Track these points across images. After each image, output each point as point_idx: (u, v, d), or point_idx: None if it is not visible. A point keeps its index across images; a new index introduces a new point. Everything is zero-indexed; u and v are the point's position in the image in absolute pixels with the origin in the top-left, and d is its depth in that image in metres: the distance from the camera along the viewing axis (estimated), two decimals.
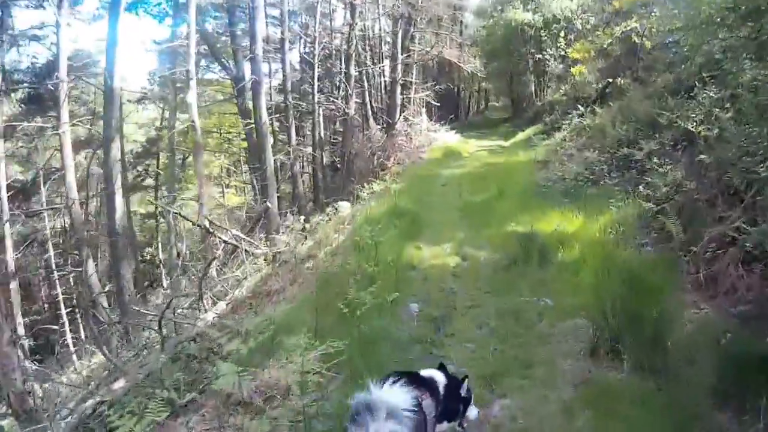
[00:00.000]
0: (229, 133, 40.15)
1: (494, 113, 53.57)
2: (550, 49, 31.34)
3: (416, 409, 3.82)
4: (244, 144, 35.02)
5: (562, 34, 30.42)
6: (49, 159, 28.06)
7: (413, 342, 7.54)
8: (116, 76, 18.34)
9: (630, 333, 6.38)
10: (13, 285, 23.52)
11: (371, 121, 30.59)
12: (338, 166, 32.46)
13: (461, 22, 44.48)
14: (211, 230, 16.92)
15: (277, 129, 34.92)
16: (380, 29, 34.59)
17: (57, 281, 26.48)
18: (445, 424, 4.62)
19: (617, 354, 6.40)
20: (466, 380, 4.84)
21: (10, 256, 23.09)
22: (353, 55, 29.65)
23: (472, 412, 4.96)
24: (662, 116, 12.89)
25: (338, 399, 5.86)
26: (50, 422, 9.62)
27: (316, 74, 29.49)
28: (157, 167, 37.23)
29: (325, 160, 34.27)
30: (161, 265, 31.88)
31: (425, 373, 4.64)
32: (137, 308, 15.32)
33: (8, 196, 23.68)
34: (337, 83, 33.36)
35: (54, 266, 26.45)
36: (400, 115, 30.99)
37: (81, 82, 28.00)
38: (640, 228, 10.42)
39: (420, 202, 16.87)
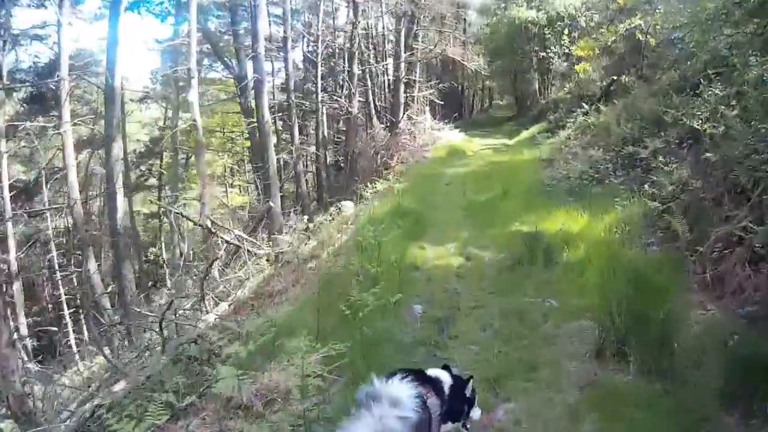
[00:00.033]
0: (233, 132, 40.06)
1: (498, 111, 53.60)
2: (554, 47, 31.36)
3: (421, 405, 3.82)
4: (248, 143, 34.92)
5: (566, 31, 30.39)
6: (51, 159, 28.01)
7: (417, 344, 7.43)
8: (117, 75, 18.24)
9: (636, 334, 6.29)
10: (17, 285, 23.51)
11: (375, 119, 30.60)
12: (342, 165, 32.39)
13: (465, 20, 44.45)
14: (213, 230, 16.83)
15: (280, 128, 34.88)
16: (383, 27, 34.65)
17: (60, 282, 26.42)
18: (449, 425, 4.55)
19: (623, 356, 6.32)
20: (471, 381, 4.79)
21: (13, 256, 23.08)
22: (356, 54, 29.60)
23: (476, 412, 4.90)
24: (667, 114, 12.76)
25: (340, 403, 5.75)
26: (49, 425, 9.55)
27: (320, 73, 29.47)
28: (161, 167, 37.17)
29: (329, 159, 34.22)
30: (164, 265, 31.84)
31: (431, 372, 4.58)
32: (138, 309, 15.20)
33: (11, 196, 23.68)
34: (341, 82, 33.34)
35: (57, 266, 26.37)
36: (403, 114, 30.97)
37: (84, 81, 27.97)
38: (645, 227, 10.31)
39: (424, 201, 16.77)
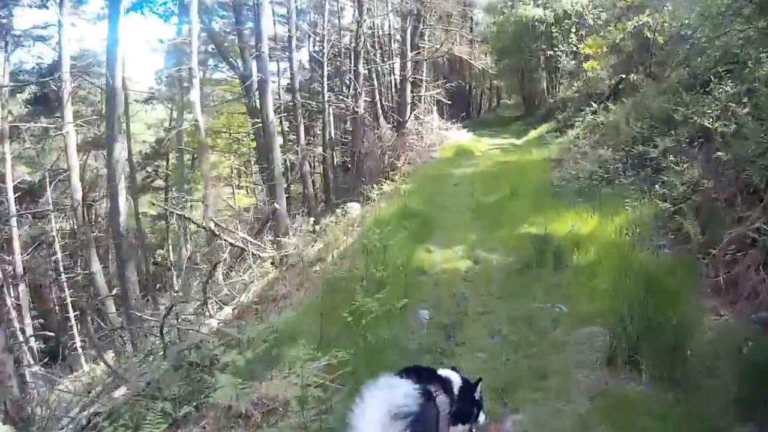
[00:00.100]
0: (239, 133, 40.08)
1: (506, 111, 53.48)
2: (562, 45, 31.17)
3: (430, 400, 4.00)
4: (254, 144, 34.92)
5: (573, 29, 30.16)
6: (56, 160, 28.03)
7: (423, 352, 7.26)
8: (118, 76, 18.13)
9: (648, 341, 6.09)
10: (22, 287, 23.56)
11: (381, 119, 30.41)
12: (349, 166, 32.29)
13: (471, 18, 44.38)
14: (216, 233, 16.72)
15: (287, 129, 34.89)
16: (389, 26, 34.46)
17: (65, 283, 26.41)
18: (459, 427, 4.51)
19: (635, 364, 6.11)
20: (480, 383, 4.76)
21: (18, 257, 23.11)
22: (362, 53, 29.43)
23: (481, 417, 4.83)
24: (677, 112, 12.50)
25: (342, 413, 5.54)
26: None
27: (326, 73, 29.34)
28: (167, 168, 37.19)
29: (336, 159, 34.15)
30: (171, 267, 31.81)
31: (442, 371, 4.59)
32: (139, 314, 15.09)
33: (16, 197, 23.74)
34: (347, 82, 33.23)
35: (62, 268, 26.36)
36: (410, 114, 30.77)
37: (88, 82, 28.00)
38: (656, 229, 10.09)
39: (431, 202, 16.62)
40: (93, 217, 31.88)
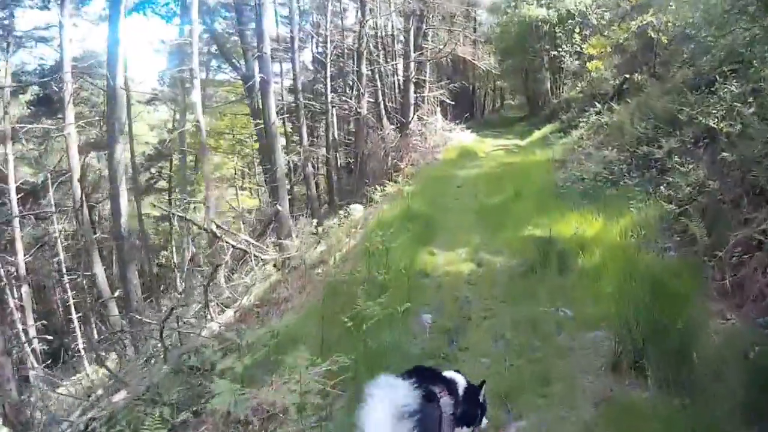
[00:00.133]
0: (242, 134, 40.05)
1: (510, 111, 53.67)
2: (566, 45, 31.12)
3: (432, 401, 4.02)
4: (257, 145, 34.86)
5: (577, 29, 30.08)
6: (59, 161, 28.03)
7: (425, 357, 7.10)
8: (119, 77, 18.05)
9: (654, 346, 6.02)
10: (25, 288, 23.60)
11: (385, 120, 30.34)
12: (353, 167, 32.24)
13: (475, 18, 44.47)
14: (218, 235, 16.65)
15: (290, 130, 34.79)
16: (392, 27, 34.43)
17: (68, 285, 26.41)
18: (464, 429, 4.49)
19: (640, 369, 6.04)
20: (484, 386, 4.73)
21: (21, 258, 23.11)
22: (364, 53, 29.36)
23: (484, 421, 4.81)
24: (682, 112, 12.44)
25: (343, 419, 5.63)
26: None
27: (329, 74, 29.30)
28: (170, 169, 37.17)
29: (340, 161, 34.09)
30: (175, 269, 31.79)
31: (446, 373, 4.60)
32: (139, 317, 15.00)
33: (19, 198, 23.79)
34: (350, 83, 33.19)
35: (64, 270, 26.35)
36: (414, 115, 30.71)
37: (90, 83, 27.98)
38: (662, 231, 9.98)
39: (434, 204, 16.53)
40: (97, 218, 31.88)
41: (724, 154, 9.29)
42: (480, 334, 7.94)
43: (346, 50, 33.91)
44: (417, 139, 29.07)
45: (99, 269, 20.31)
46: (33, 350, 21.98)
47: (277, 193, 21.98)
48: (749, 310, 7.13)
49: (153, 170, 39.32)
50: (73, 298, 25.65)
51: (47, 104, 28.26)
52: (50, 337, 23.82)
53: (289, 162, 29.53)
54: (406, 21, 32.95)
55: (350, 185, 30.60)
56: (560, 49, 31.55)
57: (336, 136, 32.61)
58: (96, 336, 23.13)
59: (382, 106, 30.91)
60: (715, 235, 8.47)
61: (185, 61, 20.19)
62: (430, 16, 33.61)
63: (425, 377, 4.19)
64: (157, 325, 11.28)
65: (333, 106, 30.61)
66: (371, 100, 31.01)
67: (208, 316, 12.61)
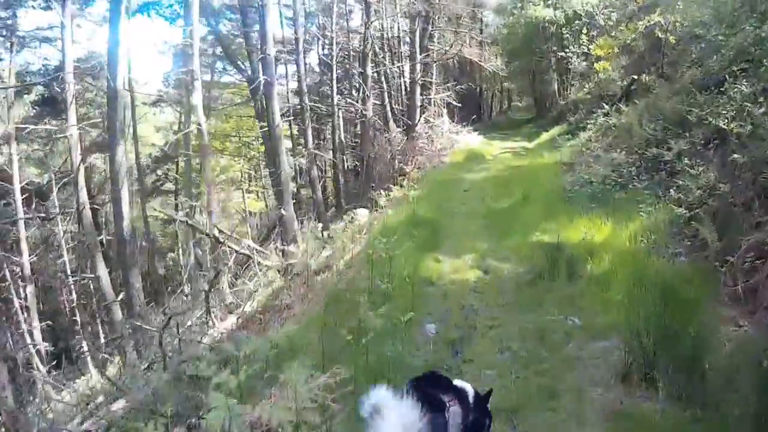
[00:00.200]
0: (248, 136, 40.06)
1: (517, 113, 53.56)
2: (573, 46, 30.94)
3: (441, 411, 4.06)
4: (263, 148, 34.83)
5: (584, 30, 29.90)
6: (64, 162, 28.02)
7: (428, 369, 6.89)
8: (119, 78, 17.81)
9: (665, 355, 5.89)
10: (30, 289, 23.57)
11: (391, 123, 30.28)
12: (360, 170, 32.15)
13: (481, 20, 44.31)
14: (221, 240, 16.52)
15: (296, 132, 34.75)
16: (398, 29, 34.29)
17: (72, 286, 26.40)
18: None
19: (651, 381, 5.88)
20: (491, 395, 4.80)
21: (26, 259, 23.15)
22: (369, 55, 29.33)
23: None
24: (691, 113, 12.29)
25: None
26: None
27: (335, 76, 29.21)
28: (176, 172, 37.16)
29: (347, 164, 34.01)
30: (182, 271, 31.76)
31: (457, 382, 4.63)
32: (138, 323, 14.86)
33: (25, 199, 23.85)
34: (357, 85, 33.12)
35: (69, 271, 26.32)
36: (420, 117, 30.66)
37: (93, 84, 27.98)
38: (672, 235, 9.85)
39: (441, 209, 16.41)
40: (102, 220, 31.84)
41: (735, 155, 9.16)
42: (486, 344, 7.78)
43: (352, 52, 33.86)
44: (423, 142, 29.00)
45: (103, 272, 20.19)
46: (38, 351, 21.97)
47: (281, 197, 21.84)
48: (762, 316, 7.01)
49: (159, 172, 39.32)
50: (79, 300, 25.66)
51: (52, 105, 28.27)
52: (47, 344, 23.73)
53: (295, 165, 29.43)
54: (411, 22, 32.98)
55: (357, 188, 30.51)
56: (567, 50, 31.42)
57: (343, 138, 32.63)
58: (102, 338, 23.15)
59: (388, 108, 30.87)
60: (726, 240, 8.37)
61: (189, 62, 20.09)
62: (436, 18, 33.59)
63: (436, 385, 4.30)
64: (156, 331, 11.17)
65: (339, 109, 30.57)
66: (377, 102, 30.99)
67: (210, 323, 12.49)
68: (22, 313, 23.18)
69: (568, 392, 6.20)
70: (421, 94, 32.09)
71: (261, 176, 42.50)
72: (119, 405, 9.87)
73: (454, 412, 4.17)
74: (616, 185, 14.07)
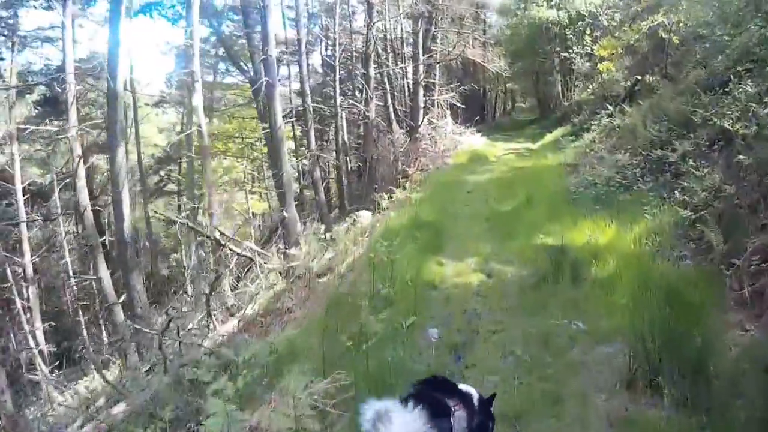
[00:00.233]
0: (251, 138, 40.07)
1: (521, 114, 53.65)
2: (576, 47, 30.90)
3: (446, 417, 4.01)
4: (266, 149, 34.81)
5: (587, 31, 29.87)
6: (66, 162, 28.00)
7: (430, 374, 6.82)
8: (119, 79, 17.78)
9: (670, 360, 5.81)
10: (32, 289, 23.65)
11: (394, 124, 30.25)
12: (363, 172, 32.11)
13: (484, 21, 44.39)
14: (222, 242, 16.44)
15: (299, 134, 34.73)
16: (401, 30, 34.28)
17: (74, 287, 26.41)
18: None
19: (656, 387, 5.79)
20: (494, 398, 4.81)
21: (28, 259, 23.18)
22: (372, 56, 29.28)
23: None
24: (696, 114, 12.23)
25: None
26: None
27: (338, 77, 29.16)
28: (179, 173, 37.19)
29: (350, 165, 33.96)
30: (185, 272, 31.76)
31: (462, 386, 4.63)
32: (137, 326, 14.80)
33: (27, 199, 23.93)
34: (360, 86, 33.07)
35: (71, 272, 26.33)
36: (423, 118, 30.62)
37: (94, 84, 27.99)
38: (677, 238, 9.74)
39: (444, 211, 16.31)
40: (105, 221, 31.84)
41: (740, 156, 9.05)
42: (488, 349, 7.69)
43: (355, 53, 33.87)
44: (427, 143, 28.91)
45: (104, 273, 20.10)
46: (40, 351, 21.98)
47: (283, 199, 21.77)
48: None
49: (162, 173, 39.45)
50: (82, 301, 25.68)
51: (54, 105, 28.30)
52: (50, 345, 23.74)
53: (298, 166, 29.38)
54: (414, 23, 32.94)
55: (360, 190, 30.48)
56: (571, 51, 31.38)
57: (346, 140, 32.55)
58: (105, 339, 23.16)
59: (391, 109, 30.88)
60: (732, 242, 8.23)
61: (190, 63, 20.03)
62: (439, 19, 33.59)
63: (441, 389, 4.27)
64: (156, 334, 11.14)
65: (342, 110, 30.49)
66: (380, 103, 30.95)
67: (211, 326, 12.43)
68: (25, 314, 23.18)
69: (572, 398, 6.13)
70: (424, 96, 32.07)
71: (264, 177, 42.49)
72: (120, 408, 9.86)
73: (459, 416, 4.15)
74: (621, 187, 14.01)
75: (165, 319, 12.60)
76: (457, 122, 34.97)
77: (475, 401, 4.49)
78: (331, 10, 32.25)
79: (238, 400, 5.51)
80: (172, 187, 39.70)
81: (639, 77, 20.47)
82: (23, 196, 23.78)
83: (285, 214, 20.29)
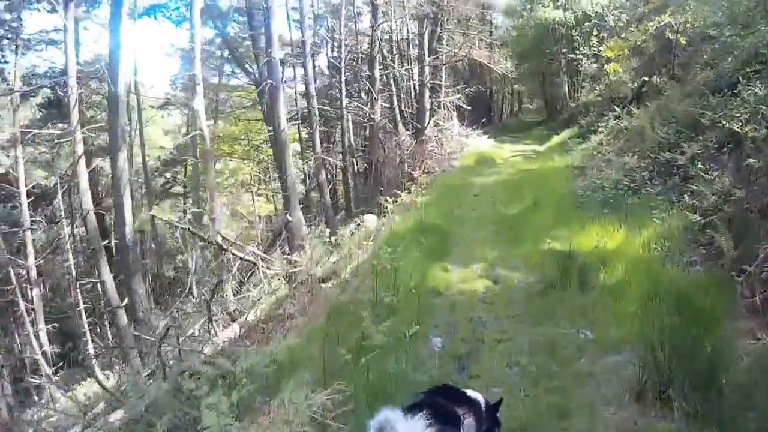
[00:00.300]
0: (257, 140, 40.06)
1: (528, 116, 53.54)
2: (583, 48, 30.79)
3: (456, 426, 4.06)
4: (271, 151, 34.77)
5: (594, 31, 29.73)
6: (70, 165, 27.99)
7: (432, 385, 6.72)
8: (121, 81, 17.65)
9: (680, 370, 5.69)
10: (36, 291, 23.73)
11: (400, 126, 30.13)
12: (368, 174, 32.01)
13: (490, 22, 44.25)
14: (224, 247, 16.31)
15: (305, 136, 34.66)
16: (407, 31, 34.18)
17: (78, 290, 26.38)
18: None
19: (666, 399, 5.65)
20: (501, 404, 4.91)
21: (32, 262, 23.22)
22: (377, 57, 29.13)
23: None
24: (704, 116, 12.11)
25: None
26: None
27: (343, 78, 29.07)
28: (185, 175, 37.18)
29: (357, 167, 33.86)
30: (190, 274, 31.71)
31: (470, 393, 4.67)
32: (136, 333, 14.72)
33: (31, 202, 23.94)
34: (366, 88, 32.97)
35: (74, 274, 26.28)
36: (429, 120, 30.52)
37: (97, 87, 27.97)
38: (687, 243, 9.61)
39: (450, 215, 16.26)
40: (110, 223, 31.81)
41: (750, 160, 9.01)
42: (494, 359, 7.55)
43: (360, 55, 33.72)
44: (433, 146, 28.80)
45: (108, 276, 20.02)
46: (44, 353, 21.95)
47: (288, 202, 21.66)
48: None
49: (168, 175, 39.53)
50: (86, 303, 25.65)
51: (58, 107, 28.29)
52: (54, 346, 23.74)
53: (304, 169, 29.29)
54: (420, 25, 32.83)
55: (366, 192, 30.36)
56: (577, 52, 31.29)
57: (352, 142, 32.51)
58: (109, 342, 23.13)
59: (397, 111, 30.79)
60: (742, 248, 8.11)
61: (193, 66, 19.96)
62: (445, 20, 33.55)
63: (450, 397, 4.33)
64: (154, 340, 11.04)
65: (348, 112, 30.44)
66: (386, 105, 30.87)
67: (212, 331, 12.31)
68: (29, 315, 23.17)
69: (580, 410, 6.01)
70: (431, 97, 31.98)
71: (270, 179, 42.50)
72: (117, 416, 9.81)
73: (468, 424, 4.17)
74: (629, 190, 13.86)
75: (164, 325, 12.49)
76: (463, 124, 34.84)
77: (483, 407, 4.50)
78: (337, 12, 32.21)
79: (235, 412, 5.39)
80: (178, 189, 39.78)
81: (646, 78, 20.40)
82: (27, 198, 23.76)
83: (289, 217, 20.17)
